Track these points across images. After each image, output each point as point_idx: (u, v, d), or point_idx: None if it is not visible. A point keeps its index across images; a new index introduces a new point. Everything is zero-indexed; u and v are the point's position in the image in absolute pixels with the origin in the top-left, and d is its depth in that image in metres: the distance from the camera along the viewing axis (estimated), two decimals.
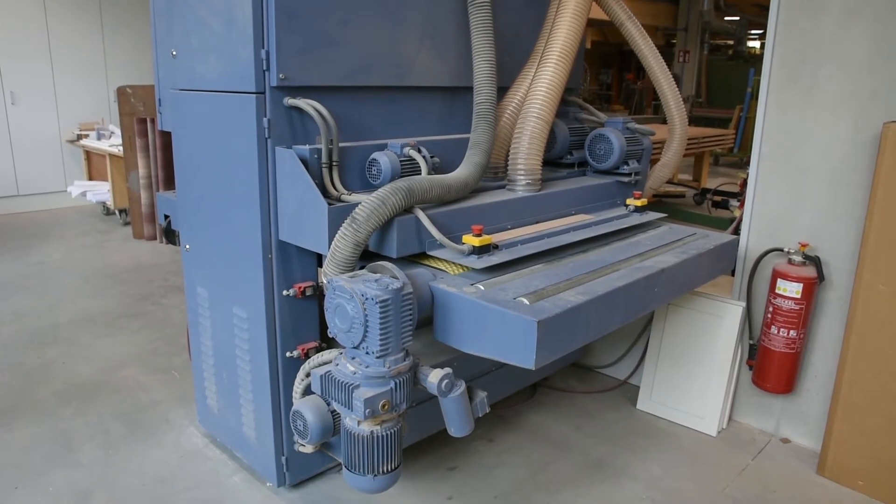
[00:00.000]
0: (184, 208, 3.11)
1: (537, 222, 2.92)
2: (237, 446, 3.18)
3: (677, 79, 14.20)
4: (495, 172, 3.12)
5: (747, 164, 3.47)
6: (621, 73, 16.71)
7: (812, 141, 3.22)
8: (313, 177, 2.47)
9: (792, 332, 3.21)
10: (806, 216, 3.28)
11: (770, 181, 3.38)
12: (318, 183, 2.48)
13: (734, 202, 5.73)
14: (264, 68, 2.45)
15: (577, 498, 3.01)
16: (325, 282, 2.31)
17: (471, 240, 2.43)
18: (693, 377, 3.62)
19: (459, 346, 2.25)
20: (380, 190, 2.34)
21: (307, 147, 2.50)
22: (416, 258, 2.56)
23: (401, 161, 2.62)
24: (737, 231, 3.70)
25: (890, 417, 2.99)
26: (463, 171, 2.69)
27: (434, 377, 2.21)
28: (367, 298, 2.07)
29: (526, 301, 2.16)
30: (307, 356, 2.77)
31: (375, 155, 2.63)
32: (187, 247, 3.13)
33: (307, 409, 2.42)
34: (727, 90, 13.93)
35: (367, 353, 2.12)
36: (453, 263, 2.46)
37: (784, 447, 3.46)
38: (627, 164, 3.36)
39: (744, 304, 3.50)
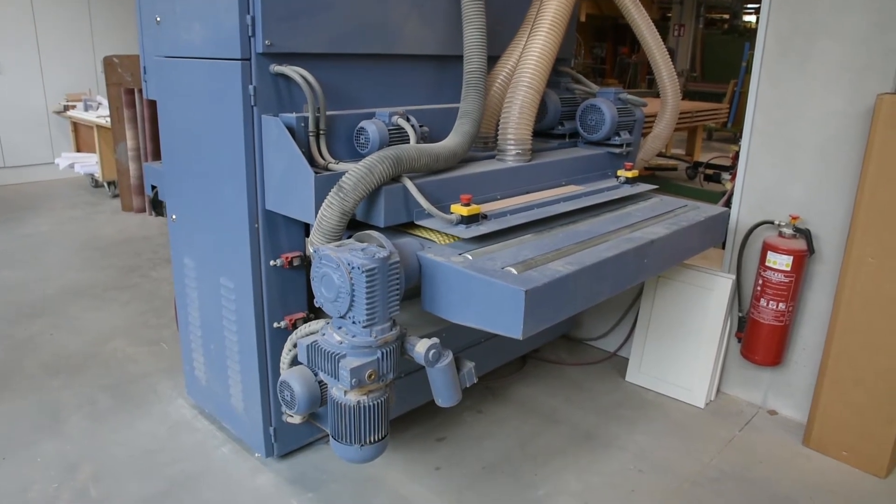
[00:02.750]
0: (170, 178, 3.07)
1: (527, 193, 2.89)
2: (225, 418, 3.18)
3: (672, 53, 14.03)
4: (485, 142, 3.09)
5: (741, 138, 3.45)
6: (615, 46, 16.56)
7: (805, 114, 3.19)
8: (300, 145, 2.44)
9: (781, 304, 3.21)
10: (797, 189, 3.27)
11: (762, 154, 3.36)
12: (304, 151, 2.45)
13: (726, 175, 5.72)
14: (249, 34, 2.41)
15: (564, 468, 3.03)
16: (311, 251, 2.29)
17: (459, 209, 2.40)
18: (682, 349, 3.63)
19: (447, 315, 2.24)
20: (367, 158, 2.31)
21: (294, 115, 2.47)
22: (403, 228, 2.54)
23: (389, 130, 2.59)
24: (728, 204, 3.69)
25: (875, 390, 3.00)
26: (452, 141, 2.66)
27: (421, 347, 2.20)
28: (353, 267, 2.04)
29: (514, 270, 2.15)
30: (294, 327, 2.76)
31: (363, 123, 2.59)
32: (174, 217, 3.10)
33: (294, 379, 2.41)
34: (722, 64, 13.82)
35: (353, 322, 2.11)
36: (441, 233, 2.44)
37: (771, 419, 3.48)
38: (619, 136, 3.33)
39: (733, 276, 3.50)
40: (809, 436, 3.23)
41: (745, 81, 11.27)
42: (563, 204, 2.82)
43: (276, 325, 2.75)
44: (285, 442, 2.97)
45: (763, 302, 3.26)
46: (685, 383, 3.61)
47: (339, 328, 2.17)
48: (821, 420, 3.18)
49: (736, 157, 4.38)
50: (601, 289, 2.41)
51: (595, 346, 4.23)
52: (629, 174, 3.25)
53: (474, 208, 2.41)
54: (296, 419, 2.60)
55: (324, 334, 2.21)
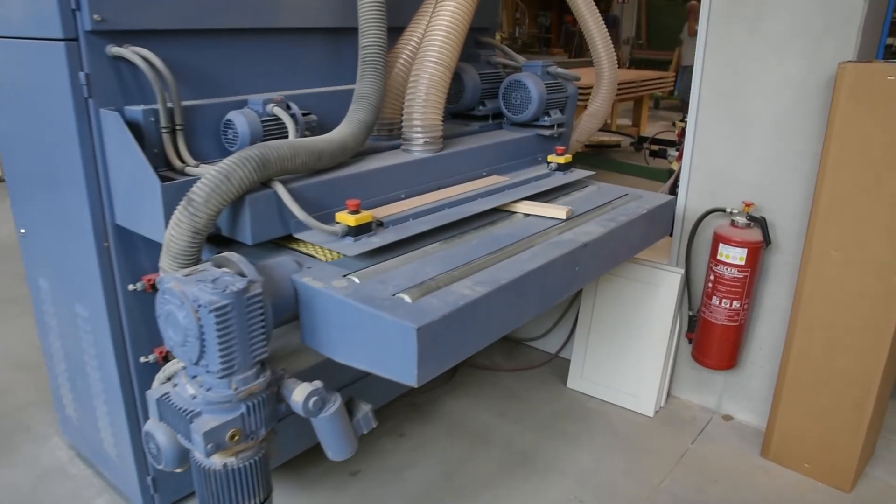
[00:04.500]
0: (13, 185, 2.56)
1: (439, 189, 2.45)
2: (100, 463, 2.71)
3: (617, 21, 13.73)
4: (389, 130, 2.63)
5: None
6: (561, 14, 16.14)
7: (757, 85, 2.81)
8: (151, 145, 1.99)
9: (735, 303, 2.85)
10: (751, 171, 2.90)
11: (711, 132, 2.98)
12: (157, 152, 2.01)
13: (672, 152, 5.35)
14: (73, 7, 1.91)
15: (495, 502, 2.64)
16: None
17: (345, 218, 1.95)
18: (627, 352, 3.26)
19: (329, 353, 1.81)
20: (225, 161, 1.84)
21: (141, 108, 1.99)
22: (284, 241, 2.09)
23: (263, 121, 2.13)
24: (674, 188, 3.31)
25: (839, 395, 2.68)
26: (341, 132, 2.20)
27: (299, 395, 1.77)
28: (199, 305, 1.60)
29: (407, 298, 1.72)
30: (166, 359, 2.30)
31: (231, 115, 2.13)
32: (22, 231, 2.59)
33: (159, 430, 1.93)
34: (667, 31, 13.52)
35: (207, 371, 1.67)
36: (325, 249, 2.00)
37: (726, 425, 3.15)
38: (549, 115, 2.91)
39: (682, 271, 3.12)
40: (768, 446, 2.91)
41: None
42: (481, 201, 2.38)
43: (143, 359, 2.29)
44: (167, 492, 2.52)
45: (715, 300, 2.89)
46: (632, 389, 3.25)
47: (194, 377, 1.73)
48: (780, 428, 2.86)
49: (682, 133, 4.01)
50: (523, 309, 1.99)
51: (534, 346, 3.84)
52: (561, 160, 2.82)
53: (365, 216, 1.97)
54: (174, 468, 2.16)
55: (176, 385, 1.77)
